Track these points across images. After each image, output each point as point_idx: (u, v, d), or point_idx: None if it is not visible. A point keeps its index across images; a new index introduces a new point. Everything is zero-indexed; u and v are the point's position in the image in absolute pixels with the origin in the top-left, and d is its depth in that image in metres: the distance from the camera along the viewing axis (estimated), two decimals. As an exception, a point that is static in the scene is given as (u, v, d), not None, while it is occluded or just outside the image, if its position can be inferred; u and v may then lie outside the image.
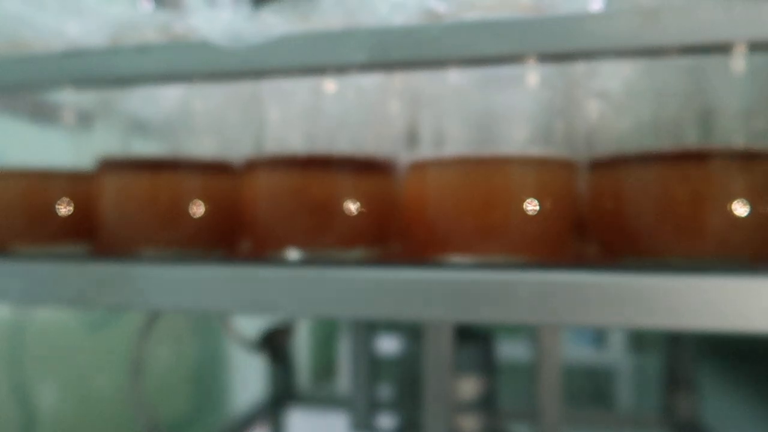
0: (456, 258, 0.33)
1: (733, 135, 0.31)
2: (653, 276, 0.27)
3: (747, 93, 0.31)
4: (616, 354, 1.79)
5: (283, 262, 0.32)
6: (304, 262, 0.32)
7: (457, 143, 0.35)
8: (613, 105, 0.35)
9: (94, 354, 0.92)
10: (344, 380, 1.77)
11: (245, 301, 0.32)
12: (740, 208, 0.29)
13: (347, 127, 0.38)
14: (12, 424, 0.77)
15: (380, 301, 0.30)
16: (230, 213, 0.39)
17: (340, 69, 0.32)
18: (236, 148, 0.41)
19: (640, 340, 2.24)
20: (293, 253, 0.36)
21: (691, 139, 0.31)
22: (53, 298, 0.34)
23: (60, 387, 0.85)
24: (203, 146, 0.41)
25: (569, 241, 0.35)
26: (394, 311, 0.30)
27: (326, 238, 0.35)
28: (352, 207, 0.35)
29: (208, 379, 1.28)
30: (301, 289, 0.31)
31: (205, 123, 0.41)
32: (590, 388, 1.93)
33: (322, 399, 1.21)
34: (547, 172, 0.33)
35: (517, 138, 0.34)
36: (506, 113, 0.34)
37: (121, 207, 0.38)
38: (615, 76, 0.34)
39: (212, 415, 1.30)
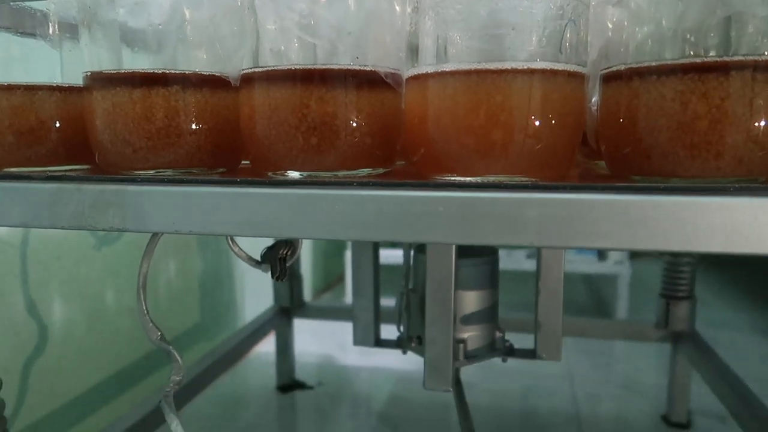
0: (459, 179, 0.32)
1: (760, 45, 0.29)
2: (665, 196, 0.26)
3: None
4: (616, 262, 1.81)
5: (284, 183, 0.32)
6: (305, 183, 0.31)
7: (461, 55, 0.33)
8: (630, 12, 0.32)
9: (103, 268, 0.94)
10: (350, 291, 1.81)
11: (246, 224, 0.31)
12: (762, 126, 0.27)
13: (348, 37, 0.36)
14: (25, 338, 0.80)
15: (383, 223, 0.29)
16: (229, 131, 0.38)
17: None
18: (231, 61, 0.39)
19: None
20: (293, 174, 0.35)
21: (713, 50, 0.29)
22: (51, 221, 0.34)
23: (69, 302, 0.87)
24: (197, 60, 0.39)
25: (575, 159, 0.34)
26: (398, 233, 0.29)
27: (327, 158, 0.34)
28: (354, 124, 0.34)
29: (216, 290, 1.31)
30: (302, 211, 0.30)
31: (198, 35, 0.39)
32: (591, 296, 1.98)
33: (328, 310, 1.25)
34: (553, 85, 0.31)
35: (526, 49, 0.32)
36: (515, 22, 0.32)
37: (113, 126, 0.36)
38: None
39: (221, 326, 1.34)
